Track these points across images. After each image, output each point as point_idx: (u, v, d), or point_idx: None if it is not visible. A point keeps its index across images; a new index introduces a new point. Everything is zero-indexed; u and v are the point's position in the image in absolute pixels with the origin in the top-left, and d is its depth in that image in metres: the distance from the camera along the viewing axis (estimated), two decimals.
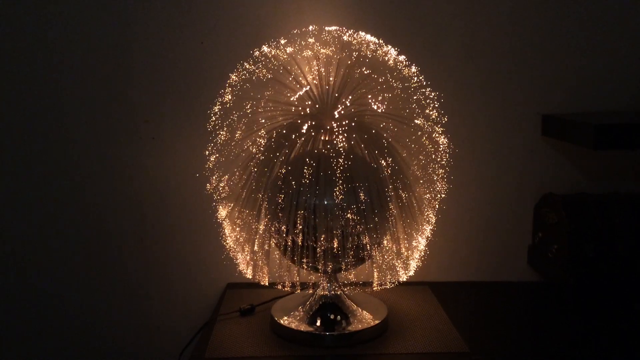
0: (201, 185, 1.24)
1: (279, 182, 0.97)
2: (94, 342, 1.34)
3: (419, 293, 1.25)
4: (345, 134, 0.96)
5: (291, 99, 1.01)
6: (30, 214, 1.29)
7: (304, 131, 0.98)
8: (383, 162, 0.98)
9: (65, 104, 1.25)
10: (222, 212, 1.07)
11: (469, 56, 1.26)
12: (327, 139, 1.00)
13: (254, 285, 1.21)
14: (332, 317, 1.07)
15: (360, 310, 1.09)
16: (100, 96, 1.25)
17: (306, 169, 0.95)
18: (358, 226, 0.96)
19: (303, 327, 1.05)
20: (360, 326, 1.05)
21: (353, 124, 0.98)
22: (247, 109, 1.01)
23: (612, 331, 1.10)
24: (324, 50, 1.02)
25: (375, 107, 1.00)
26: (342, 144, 0.95)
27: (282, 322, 1.07)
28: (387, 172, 0.98)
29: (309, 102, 1.00)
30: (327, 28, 1.05)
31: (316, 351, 1.02)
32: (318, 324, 1.06)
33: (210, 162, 1.06)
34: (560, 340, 1.07)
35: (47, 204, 1.28)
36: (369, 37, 1.06)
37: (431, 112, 1.03)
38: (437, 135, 1.03)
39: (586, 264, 1.18)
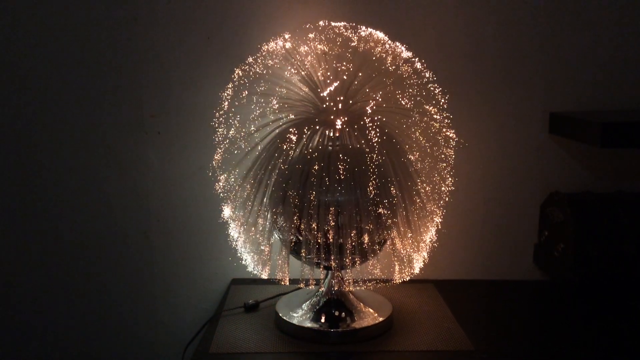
0: (205, 180, 1.25)
1: (313, 179, 0.96)
2: (99, 337, 1.34)
3: (424, 291, 1.25)
4: (378, 129, 0.97)
5: (322, 94, 1.00)
6: (34, 208, 1.29)
7: (338, 127, 0.98)
8: (411, 157, 1.00)
9: (70, 98, 1.25)
10: (226, 211, 1.07)
11: (476, 54, 1.25)
12: (337, 135, 1.01)
13: (258, 281, 1.21)
14: (336, 313, 1.07)
15: (364, 307, 1.09)
16: (107, 91, 1.25)
17: (341, 165, 0.95)
18: (389, 220, 0.97)
19: (307, 324, 1.05)
20: (364, 323, 1.05)
21: (384, 119, 0.99)
22: (274, 105, 1.01)
23: (617, 330, 1.10)
24: (321, 47, 1.02)
25: (383, 103, 1.00)
26: (376, 139, 0.96)
27: (286, 318, 1.07)
28: (417, 166, 1.00)
29: (339, 100, 1.00)
30: (334, 24, 1.04)
31: (320, 348, 1.02)
32: (322, 320, 1.06)
33: (216, 161, 1.06)
34: (565, 339, 1.07)
35: (51, 198, 1.28)
36: (377, 33, 1.06)
37: (431, 109, 1.03)
38: (446, 130, 1.04)
39: (592, 263, 1.17)
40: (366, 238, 0.97)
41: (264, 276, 1.06)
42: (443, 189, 1.05)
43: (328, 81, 1.00)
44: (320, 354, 1.00)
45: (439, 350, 1.01)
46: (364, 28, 1.05)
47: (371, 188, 0.95)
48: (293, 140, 0.98)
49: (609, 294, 1.18)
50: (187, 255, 1.31)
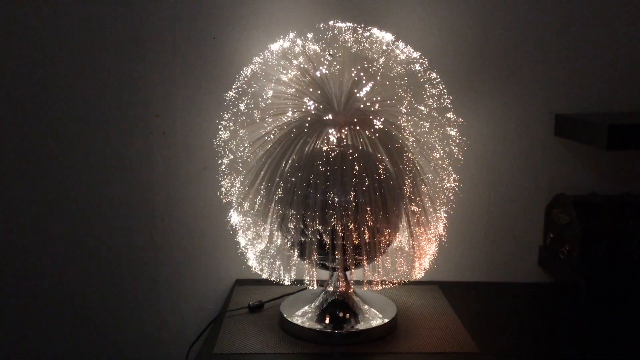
0: (210, 180, 1.25)
1: (355, 180, 0.95)
2: (104, 336, 1.34)
3: (429, 292, 1.25)
4: (412, 129, 1.00)
5: (359, 94, 0.99)
6: (40, 208, 1.29)
7: (378, 127, 0.98)
8: (437, 154, 1.02)
9: (76, 98, 1.25)
10: (235, 218, 1.07)
11: (481, 55, 1.25)
12: (344, 135, 1.01)
13: (262, 281, 1.21)
14: (341, 315, 1.07)
15: (369, 308, 1.09)
16: (112, 91, 1.25)
17: (381, 166, 0.96)
18: (422, 217, 0.99)
19: (312, 325, 1.05)
20: (369, 324, 1.05)
21: (424, 119, 1.01)
22: (310, 105, 1.01)
23: (623, 332, 1.09)
24: (316, 47, 1.02)
25: (390, 103, 1.01)
26: (412, 139, 0.99)
27: (290, 319, 1.07)
28: (444, 164, 1.02)
29: (375, 100, 1.00)
30: (339, 24, 1.04)
31: (324, 349, 1.02)
32: (327, 321, 1.06)
33: (223, 165, 1.06)
34: (571, 341, 1.06)
35: (57, 198, 1.29)
36: (382, 33, 1.06)
37: (431, 106, 1.03)
38: (451, 130, 1.04)
39: (597, 265, 1.17)
40: (399, 236, 0.99)
41: (287, 282, 1.06)
42: (452, 184, 1.05)
43: (317, 80, 1.00)
44: (324, 355, 1.00)
45: (444, 352, 1.00)
46: (365, 28, 1.04)
47: (407, 187, 0.97)
48: (333, 142, 0.98)
49: (615, 297, 1.18)
50: (192, 255, 1.32)
